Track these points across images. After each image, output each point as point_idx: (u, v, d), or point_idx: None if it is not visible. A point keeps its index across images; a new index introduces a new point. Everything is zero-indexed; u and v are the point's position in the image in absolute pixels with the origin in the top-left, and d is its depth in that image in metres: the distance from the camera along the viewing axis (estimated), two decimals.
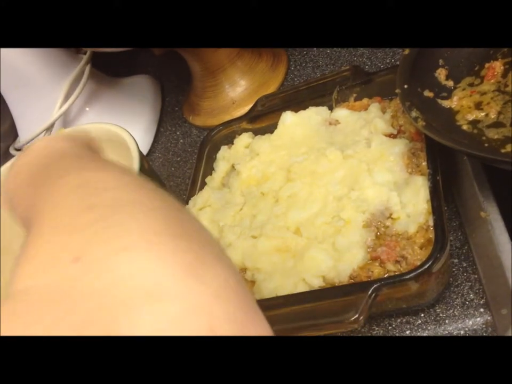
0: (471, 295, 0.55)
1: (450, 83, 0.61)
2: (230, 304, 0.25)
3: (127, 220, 0.27)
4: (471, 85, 0.60)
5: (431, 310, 0.55)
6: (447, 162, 0.58)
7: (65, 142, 0.43)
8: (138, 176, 0.39)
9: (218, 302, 0.25)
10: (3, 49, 0.84)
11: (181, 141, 0.98)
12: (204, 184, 0.77)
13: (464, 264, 0.57)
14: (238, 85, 0.90)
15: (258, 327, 0.27)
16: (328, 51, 0.91)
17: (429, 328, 0.55)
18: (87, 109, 0.97)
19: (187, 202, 0.73)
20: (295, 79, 0.91)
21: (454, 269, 0.57)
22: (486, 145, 0.53)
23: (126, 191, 0.31)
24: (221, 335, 0.24)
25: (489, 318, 0.53)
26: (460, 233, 0.59)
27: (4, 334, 0.22)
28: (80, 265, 0.24)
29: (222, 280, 0.26)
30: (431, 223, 0.53)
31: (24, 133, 0.96)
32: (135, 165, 0.65)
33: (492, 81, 0.58)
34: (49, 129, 0.90)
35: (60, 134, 0.73)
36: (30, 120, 0.94)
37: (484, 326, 0.53)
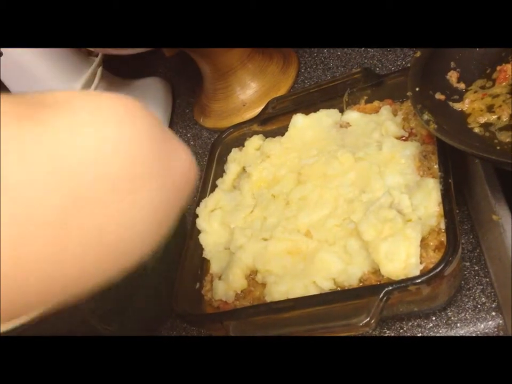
0: (483, 299, 0.54)
1: (462, 86, 0.60)
2: (149, 114, 0.30)
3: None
4: (482, 87, 0.59)
5: (442, 313, 0.55)
6: (459, 165, 0.58)
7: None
8: None
9: (140, 109, 0.30)
10: (16, 52, 0.85)
11: (192, 142, 0.98)
12: (214, 186, 0.77)
13: (476, 267, 0.57)
14: (248, 87, 0.91)
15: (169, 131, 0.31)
16: (339, 53, 0.91)
17: (440, 331, 0.54)
18: None
19: (198, 204, 0.74)
20: (306, 81, 0.91)
21: (465, 272, 0.57)
22: (498, 148, 0.52)
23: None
24: (145, 125, 0.29)
25: (501, 321, 0.52)
26: (471, 236, 0.59)
27: None
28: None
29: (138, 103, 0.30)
30: (442, 226, 0.53)
31: None
32: None
33: (504, 83, 0.58)
34: None
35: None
36: None
37: (495, 329, 0.53)
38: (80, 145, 0.25)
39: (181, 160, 0.31)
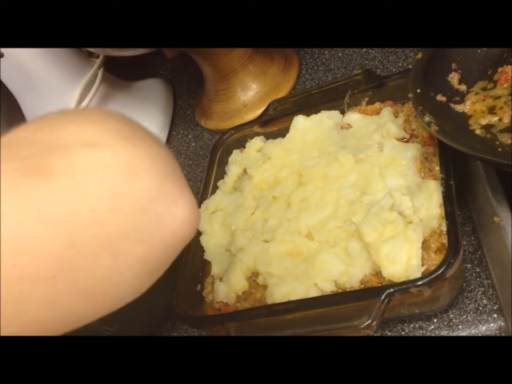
0: (485, 301, 0.54)
1: (463, 87, 0.60)
2: (157, 164, 0.31)
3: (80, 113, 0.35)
4: (484, 89, 0.59)
5: (444, 315, 0.55)
6: (460, 167, 0.58)
7: None
8: None
9: (147, 159, 0.30)
10: (17, 53, 0.85)
11: (193, 144, 0.98)
12: (215, 187, 0.77)
13: (478, 269, 0.57)
14: (249, 88, 0.91)
15: (178, 184, 0.32)
16: (340, 54, 0.91)
17: (442, 333, 0.54)
18: None
19: (199, 206, 0.73)
20: (307, 83, 0.91)
21: (467, 274, 0.57)
22: (500, 150, 0.52)
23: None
24: (142, 181, 0.29)
25: (502, 323, 0.52)
26: (473, 238, 0.59)
27: None
28: (41, 133, 0.30)
29: (153, 150, 0.32)
30: (444, 228, 0.53)
31: None
32: None
33: (505, 85, 0.58)
34: None
35: None
36: None
37: (497, 331, 0.52)
38: (81, 206, 0.27)
39: (177, 219, 0.32)
